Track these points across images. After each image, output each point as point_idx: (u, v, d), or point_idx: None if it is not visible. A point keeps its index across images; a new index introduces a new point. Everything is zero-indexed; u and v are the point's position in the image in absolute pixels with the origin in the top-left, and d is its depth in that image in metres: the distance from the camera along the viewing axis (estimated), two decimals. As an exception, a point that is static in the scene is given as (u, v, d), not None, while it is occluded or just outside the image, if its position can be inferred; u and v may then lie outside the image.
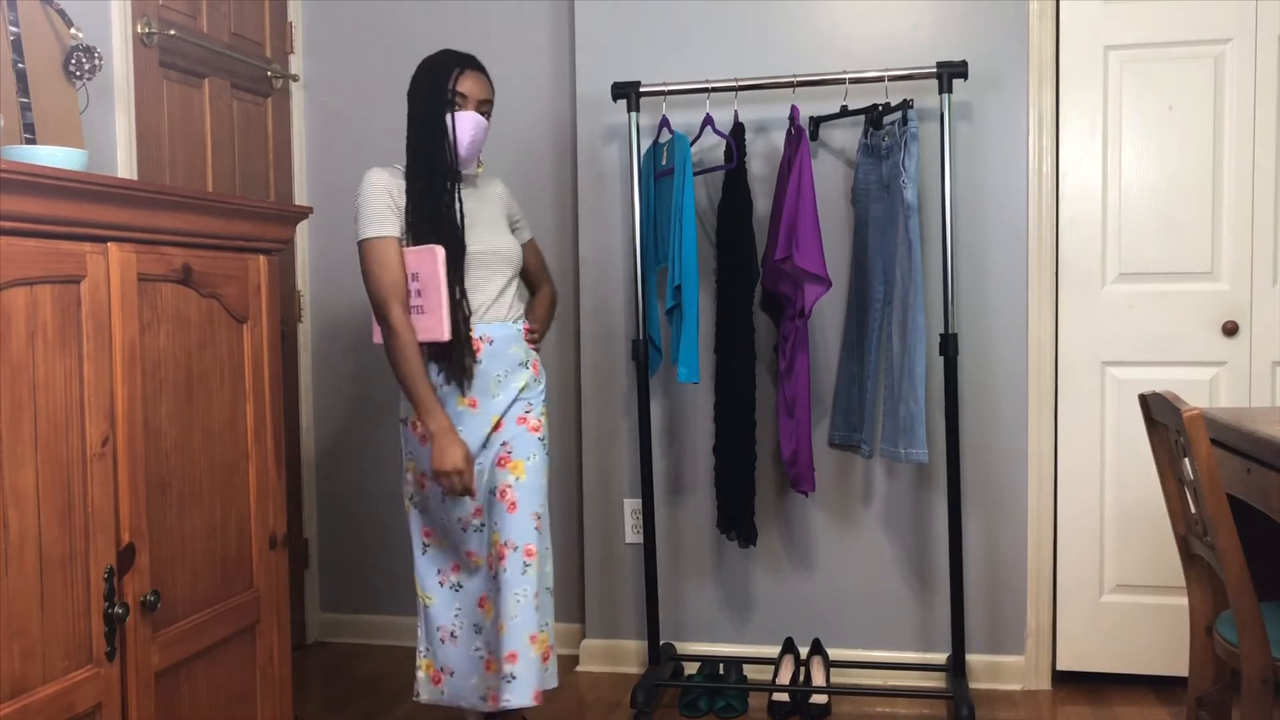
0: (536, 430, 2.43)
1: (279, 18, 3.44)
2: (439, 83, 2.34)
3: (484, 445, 2.39)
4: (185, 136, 2.96)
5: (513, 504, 2.35)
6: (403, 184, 2.36)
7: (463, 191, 2.42)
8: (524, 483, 2.37)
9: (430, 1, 3.40)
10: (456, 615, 2.45)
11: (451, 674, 2.44)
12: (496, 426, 2.40)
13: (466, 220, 2.38)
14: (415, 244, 2.32)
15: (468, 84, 2.36)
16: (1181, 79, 2.92)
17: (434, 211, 2.32)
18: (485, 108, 2.39)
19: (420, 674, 2.48)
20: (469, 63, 2.38)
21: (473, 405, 2.38)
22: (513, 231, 2.54)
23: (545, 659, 2.32)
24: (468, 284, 2.36)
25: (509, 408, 2.41)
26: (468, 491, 2.29)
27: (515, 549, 2.33)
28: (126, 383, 1.82)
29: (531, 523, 2.35)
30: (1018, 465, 3.04)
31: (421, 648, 2.48)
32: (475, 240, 2.38)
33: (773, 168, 3.06)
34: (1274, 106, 2.87)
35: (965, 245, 3.02)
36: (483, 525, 2.40)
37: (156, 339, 1.91)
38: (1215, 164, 2.92)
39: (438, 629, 2.45)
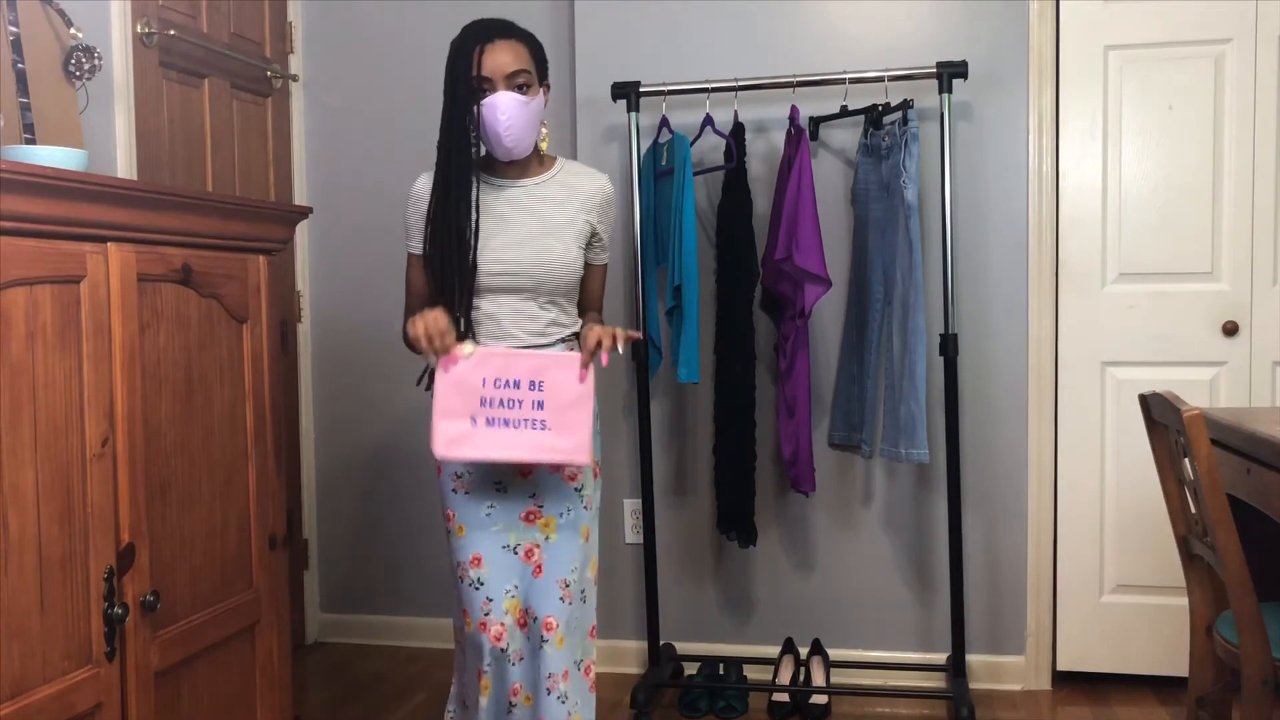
0: (573, 480, 2.11)
1: (279, 18, 3.44)
2: (461, 73, 2.03)
3: (499, 489, 2.10)
4: (185, 136, 2.96)
5: (539, 567, 2.09)
6: None
7: (514, 189, 2.13)
8: (554, 544, 2.09)
9: (430, 1, 3.40)
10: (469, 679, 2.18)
11: None
12: (525, 471, 2.09)
13: (497, 226, 2.09)
14: (426, 264, 2.11)
15: (491, 61, 2.02)
16: (1181, 79, 2.92)
17: (444, 231, 2.06)
18: (521, 79, 2.04)
19: None
20: (488, 35, 2.03)
21: None
22: (586, 248, 2.18)
23: None
24: (492, 307, 2.08)
25: None
26: (441, 335, 1.94)
27: (535, 619, 2.07)
28: (126, 383, 1.82)
29: (557, 591, 2.07)
30: (1018, 465, 3.04)
31: (448, 706, 2.24)
32: (494, 252, 2.07)
33: (773, 168, 3.06)
34: (1274, 106, 2.87)
35: (965, 245, 3.02)
36: (482, 583, 2.08)
37: (156, 339, 1.91)
38: (1215, 164, 2.91)
39: (463, 687, 2.19)
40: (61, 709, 1.68)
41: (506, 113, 2.02)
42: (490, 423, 1.98)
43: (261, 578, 2.23)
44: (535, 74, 2.09)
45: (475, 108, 2.03)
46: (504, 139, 2.04)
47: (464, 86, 2.02)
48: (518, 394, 1.98)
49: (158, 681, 1.90)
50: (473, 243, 2.05)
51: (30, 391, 1.63)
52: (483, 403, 1.98)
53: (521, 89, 2.05)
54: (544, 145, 2.17)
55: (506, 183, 2.14)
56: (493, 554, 2.09)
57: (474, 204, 2.05)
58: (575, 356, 2.02)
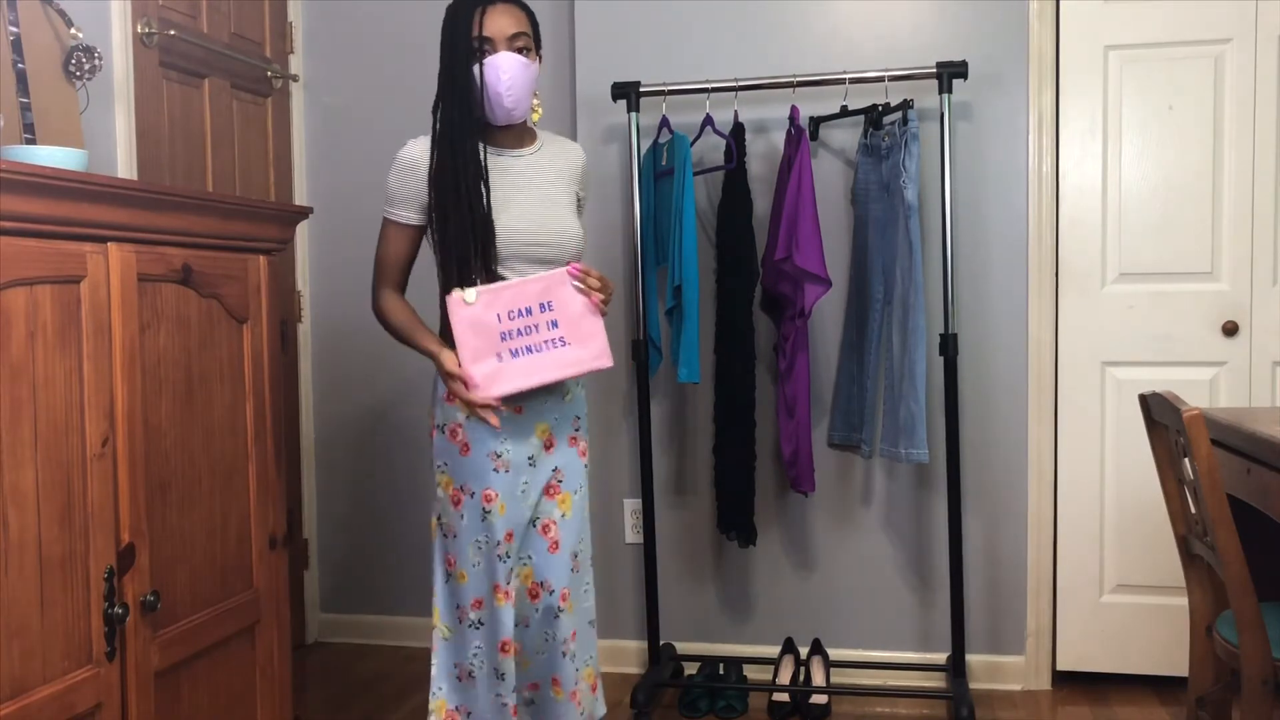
0: (584, 455, 2.25)
1: (279, 18, 3.44)
2: (461, 33, 2.03)
3: (531, 464, 2.16)
4: (185, 136, 2.96)
5: (555, 543, 2.18)
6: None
7: (514, 159, 2.14)
8: (568, 520, 2.20)
9: (430, 1, 3.39)
10: (475, 654, 2.14)
11: (469, 714, 2.17)
12: (549, 445, 2.18)
13: (512, 195, 2.10)
14: (435, 228, 2.07)
15: (492, 23, 2.02)
16: (1181, 79, 2.92)
17: (455, 192, 2.03)
18: (521, 42, 2.05)
19: (433, 718, 2.19)
20: None
21: (517, 411, 2.13)
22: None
23: (579, 695, 2.23)
24: (512, 278, 2.08)
25: (559, 421, 2.19)
26: (465, 379, 2.03)
27: (551, 592, 2.17)
28: (126, 383, 1.82)
29: (569, 564, 2.19)
30: (1018, 465, 3.04)
31: (434, 687, 2.18)
32: (516, 220, 2.08)
33: (773, 168, 3.06)
34: (1274, 106, 2.87)
35: (965, 245, 3.02)
36: (509, 555, 2.13)
37: (156, 339, 1.91)
38: (1215, 164, 2.91)
39: (454, 666, 2.17)
40: (61, 709, 1.68)
41: (509, 72, 2.02)
42: (515, 354, 2.06)
43: (261, 578, 2.23)
44: (533, 41, 2.10)
45: (475, 68, 2.03)
46: (505, 99, 2.04)
47: (464, 47, 2.02)
48: (532, 320, 2.06)
49: (158, 681, 1.90)
50: (488, 202, 2.05)
51: (30, 391, 1.63)
52: (503, 337, 2.05)
53: (522, 51, 2.05)
54: (536, 117, 2.16)
55: (508, 151, 2.15)
56: (520, 528, 2.15)
57: (483, 164, 2.06)
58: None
